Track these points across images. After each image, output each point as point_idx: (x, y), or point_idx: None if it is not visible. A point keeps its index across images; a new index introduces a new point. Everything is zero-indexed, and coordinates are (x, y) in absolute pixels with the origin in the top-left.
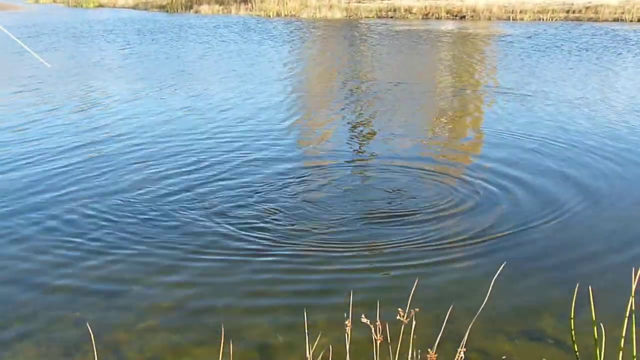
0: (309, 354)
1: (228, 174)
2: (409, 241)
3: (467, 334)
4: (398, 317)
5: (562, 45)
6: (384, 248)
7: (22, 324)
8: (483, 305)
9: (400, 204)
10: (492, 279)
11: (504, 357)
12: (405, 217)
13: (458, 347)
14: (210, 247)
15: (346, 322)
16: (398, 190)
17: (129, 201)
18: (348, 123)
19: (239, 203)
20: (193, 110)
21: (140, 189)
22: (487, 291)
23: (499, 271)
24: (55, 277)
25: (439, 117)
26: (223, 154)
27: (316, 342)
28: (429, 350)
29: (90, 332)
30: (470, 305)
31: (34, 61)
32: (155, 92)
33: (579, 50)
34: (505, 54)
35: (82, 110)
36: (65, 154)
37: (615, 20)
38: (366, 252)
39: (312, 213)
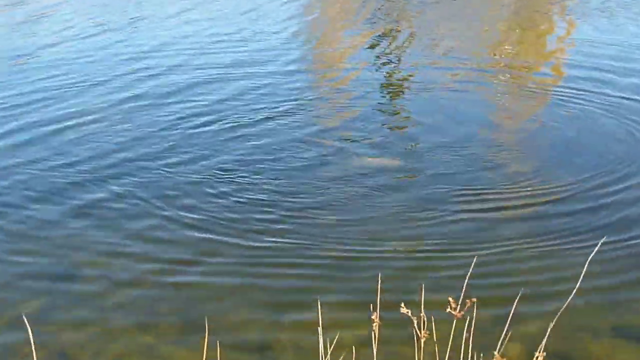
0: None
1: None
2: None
3: (547, 334)
4: (448, 310)
5: None
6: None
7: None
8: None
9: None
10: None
11: None
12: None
13: (528, 348)
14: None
15: (373, 317)
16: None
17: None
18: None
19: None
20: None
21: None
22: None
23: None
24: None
25: (503, 37)
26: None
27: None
28: (495, 353)
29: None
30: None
31: None
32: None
33: None
34: None
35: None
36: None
37: None
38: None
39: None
